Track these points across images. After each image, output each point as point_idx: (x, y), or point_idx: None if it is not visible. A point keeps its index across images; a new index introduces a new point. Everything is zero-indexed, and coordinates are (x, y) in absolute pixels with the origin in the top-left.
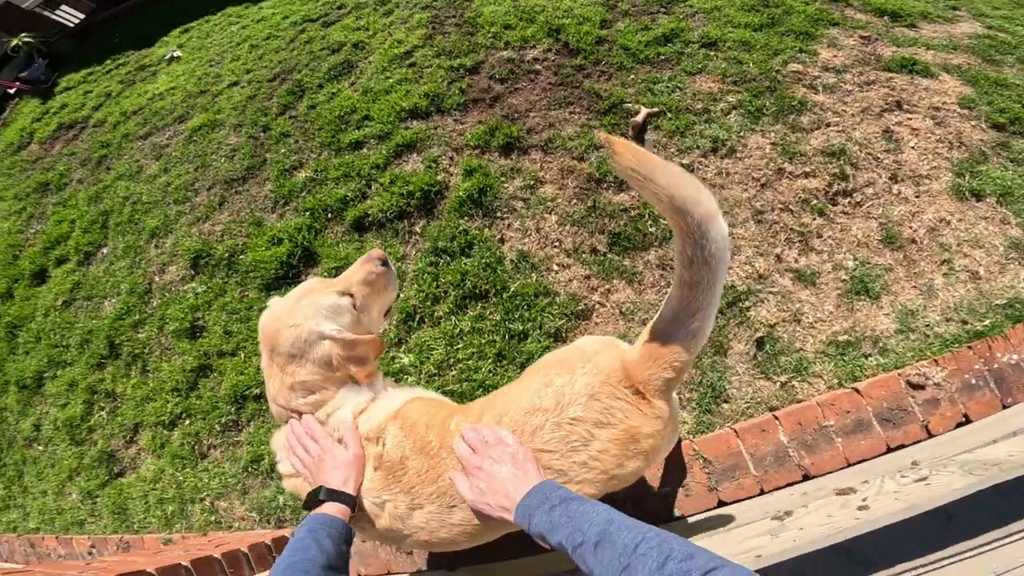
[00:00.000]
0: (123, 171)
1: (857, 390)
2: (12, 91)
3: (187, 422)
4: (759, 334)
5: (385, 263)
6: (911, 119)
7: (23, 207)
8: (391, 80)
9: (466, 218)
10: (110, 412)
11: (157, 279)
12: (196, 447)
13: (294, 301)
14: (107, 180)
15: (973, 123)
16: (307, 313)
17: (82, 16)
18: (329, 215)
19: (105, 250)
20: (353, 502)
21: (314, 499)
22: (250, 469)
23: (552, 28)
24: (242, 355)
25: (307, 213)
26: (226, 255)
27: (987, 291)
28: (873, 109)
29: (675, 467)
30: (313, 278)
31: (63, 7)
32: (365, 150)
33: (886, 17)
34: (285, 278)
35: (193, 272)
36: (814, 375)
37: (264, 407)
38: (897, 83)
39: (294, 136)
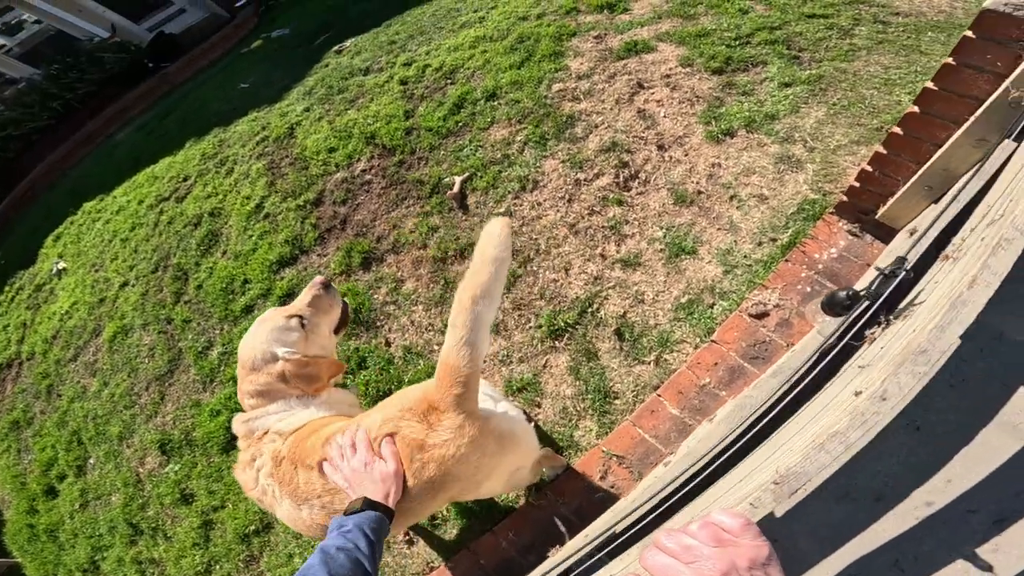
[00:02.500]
0: (72, 394)
1: (715, 341)
2: None
3: (217, 568)
4: (615, 327)
5: (326, 286)
6: (653, 93)
7: (8, 445)
8: (254, 238)
9: (353, 338)
10: (160, 574)
11: (141, 470)
12: None
13: (253, 329)
14: (63, 406)
15: (698, 77)
16: (263, 337)
17: None
18: None
19: (92, 460)
20: (391, 515)
21: (355, 510)
22: None
23: (368, 136)
24: (230, 505)
25: (231, 382)
26: (183, 437)
27: (777, 206)
28: (624, 97)
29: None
30: (269, 309)
31: None
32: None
33: (606, 11)
34: (236, 438)
35: (165, 457)
36: (678, 342)
37: (267, 537)
38: (631, 67)
39: (195, 320)
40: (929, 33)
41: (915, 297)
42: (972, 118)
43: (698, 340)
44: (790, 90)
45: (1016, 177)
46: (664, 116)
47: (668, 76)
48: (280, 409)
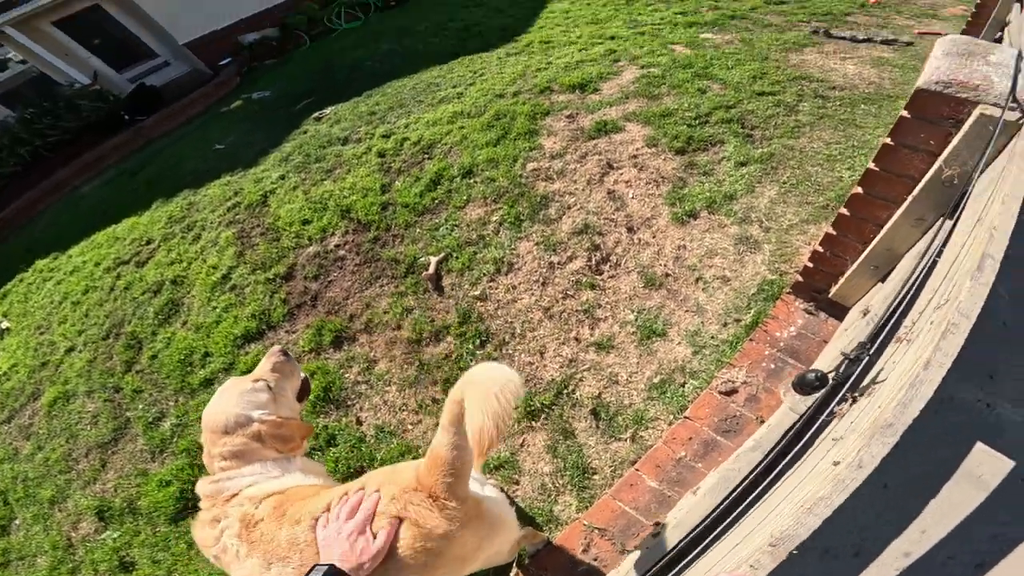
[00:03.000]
0: (1, 456)
1: (688, 417)
2: None
3: None
4: (591, 407)
5: (285, 354)
6: (622, 174)
7: None
8: (218, 309)
9: (322, 416)
10: None
11: (74, 535)
12: None
13: (220, 395)
14: None
15: (663, 157)
16: (234, 401)
17: None
18: None
19: (17, 521)
20: None
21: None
22: None
23: (343, 209)
24: (176, 574)
25: (183, 454)
26: (125, 505)
27: (739, 287)
28: (595, 178)
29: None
30: (230, 378)
31: None
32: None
33: (577, 91)
34: (186, 509)
35: (103, 524)
36: (652, 419)
37: None
38: (601, 147)
39: (147, 390)
40: (862, 106)
41: (876, 376)
42: (910, 198)
43: (672, 417)
44: (745, 169)
45: (956, 259)
46: (632, 197)
47: (635, 156)
48: (256, 472)
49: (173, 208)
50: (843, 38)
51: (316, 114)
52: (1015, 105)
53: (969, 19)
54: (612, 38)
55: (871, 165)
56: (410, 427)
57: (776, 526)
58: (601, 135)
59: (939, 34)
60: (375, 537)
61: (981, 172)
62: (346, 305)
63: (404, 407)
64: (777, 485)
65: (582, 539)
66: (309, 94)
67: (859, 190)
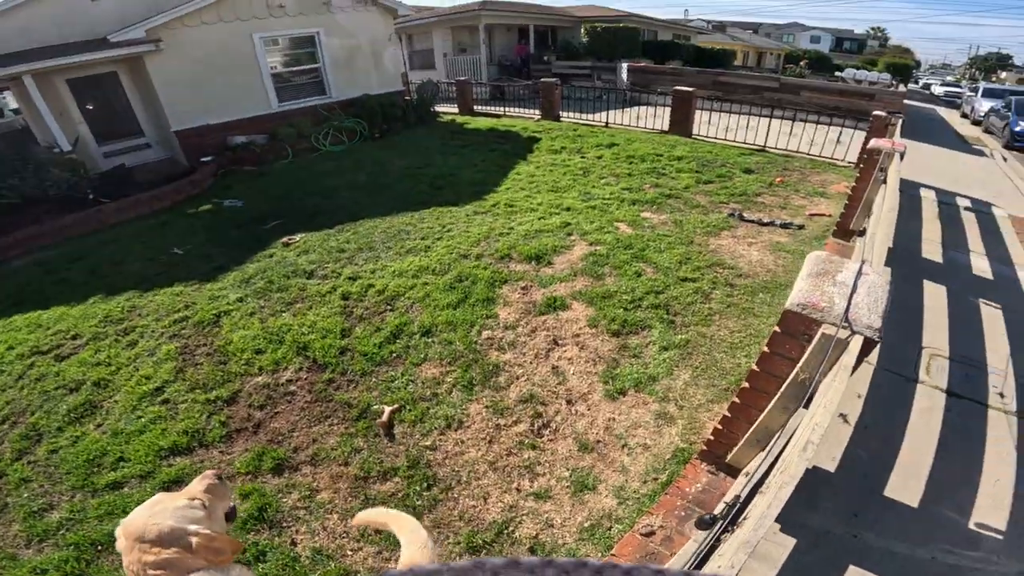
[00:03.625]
0: None
1: (613, 554)
2: None
3: None
4: (528, 546)
5: (219, 479)
6: (566, 351)
7: None
8: (144, 419)
9: (253, 532)
10: None
11: None
12: None
13: (150, 507)
14: None
15: (601, 338)
16: (168, 514)
17: None
18: (99, 547)
19: None
20: None
21: None
22: None
23: (300, 346)
24: None
25: (71, 547)
26: None
27: (657, 453)
28: (542, 353)
29: None
30: (159, 492)
31: None
32: (127, 489)
33: (533, 262)
34: None
35: None
36: (583, 556)
37: None
38: (550, 323)
39: (37, 480)
40: (760, 294)
41: (746, 514)
42: (778, 393)
43: (600, 554)
44: (667, 354)
45: (801, 436)
46: (573, 373)
47: (578, 335)
48: None
49: (112, 307)
50: (752, 221)
51: (285, 239)
52: (846, 324)
53: (847, 200)
54: (568, 209)
55: (754, 367)
56: (350, 553)
57: None
58: (550, 311)
59: (825, 215)
60: None
61: (823, 376)
62: (291, 437)
63: (345, 534)
64: None
65: None
66: (280, 214)
67: (747, 384)
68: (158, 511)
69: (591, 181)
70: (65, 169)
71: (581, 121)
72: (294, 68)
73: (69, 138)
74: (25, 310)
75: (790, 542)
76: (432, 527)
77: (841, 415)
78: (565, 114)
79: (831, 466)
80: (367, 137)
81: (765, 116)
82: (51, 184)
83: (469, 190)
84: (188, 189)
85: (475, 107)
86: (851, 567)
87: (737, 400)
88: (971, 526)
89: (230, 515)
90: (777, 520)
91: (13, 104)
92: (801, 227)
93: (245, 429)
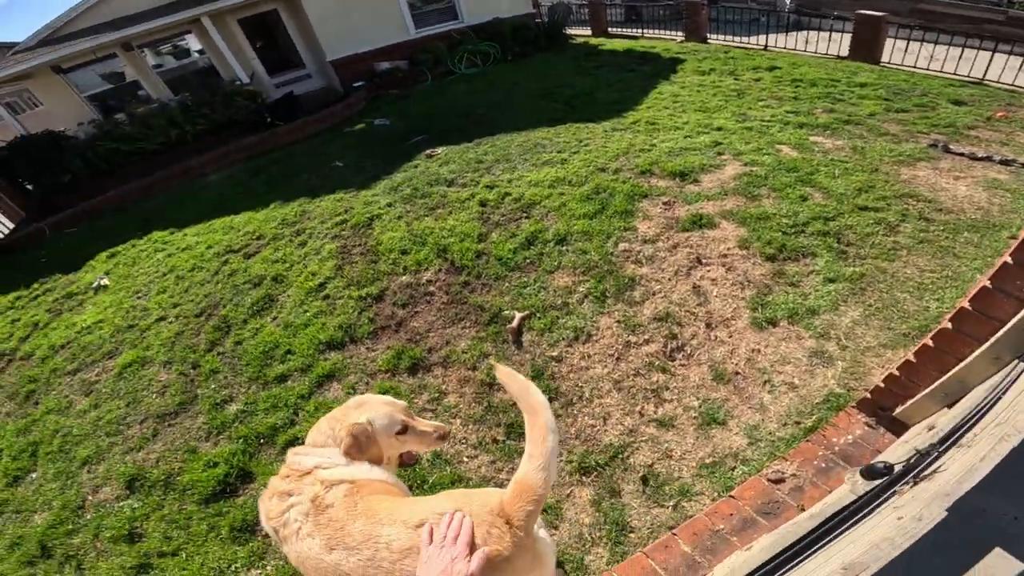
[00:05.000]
0: (52, 406)
1: (733, 496)
2: None
3: None
4: (641, 474)
5: (443, 438)
6: (709, 271)
7: None
8: (308, 314)
9: None
10: None
11: (91, 498)
12: None
13: (384, 400)
14: (35, 414)
15: (752, 261)
16: (395, 408)
17: (12, 226)
18: (262, 441)
19: (34, 475)
20: None
21: None
22: None
23: (440, 248)
24: (183, 555)
25: (240, 440)
26: (162, 477)
27: (805, 395)
28: (682, 270)
29: None
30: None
31: None
32: (290, 382)
33: (677, 179)
34: (223, 493)
35: (128, 492)
36: (697, 493)
37: None
38: (693, 240)
39: (223, 372)
40: (965, 233)
41: (938, 467)
42: (993, 338)
43: (716, 494)
44: (833, 286)
45: (1021, 393)
46: (716, 296)
47: (726, 256)
48: (335, 458)
49: (288, 212)
50: (961, 154)
51: (428, 151)
52: None
53: None
54: (719, 129)
55: (965, 304)
56: (466, 459)
57: (848, 557)
58: (695, 228)
59: None
60: (470, 562)
61: None
62: (427, 337)
63: (464, 440)
64: (841, 535)
65: None
66: (424, 130)
67: (948, 325)
68: (388, 402)
69: (747, 103)
70: (246, 98)
71: (733, 44)
72: None
73: (246, 71)
74: (221, 215)
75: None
76: None
77: None
78: (713, 36)
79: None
80: (500, 60)
81: (985, 49)
82: (236, 111)
83: (607, 108)
84: (344, 112)
85: (609, 29)
86: (996, 549)
87: (930, 343)
88: None
89: (410, 458)
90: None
91: (196, 45)
92: None
93: (389, 327)
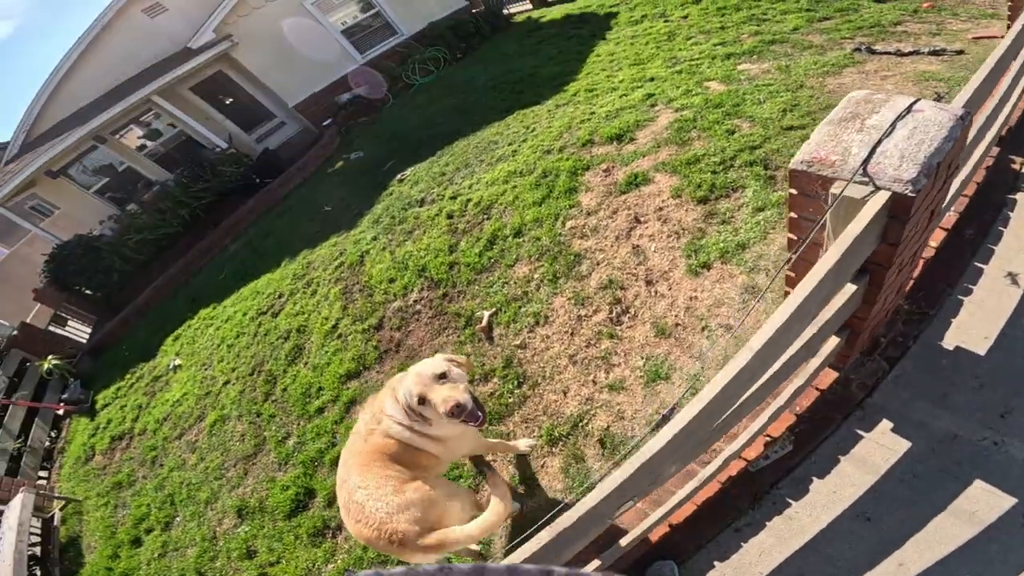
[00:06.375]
0: (172, 465)
1: None
2: (61, 413)
3: None
4: (599, 437)
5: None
6: (647, 228)
7: (107, 501)
8: (328, 353)
9: None
10: None
11: (218, 529)
12: None
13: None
14: (163, 473)
15: (685, 208)
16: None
17: (88, 330)
18: (315, 463)
19: (178, 518)
20: None
21: None
22: None
23: (420, 268)
24: (284, 562)
25: (300, 465)
26: (257, 504)
27: (741, 335)
28: (622, 234)
29: None
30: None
31: (70, 323)
32: (326, 413)
33: (615, 142)
34: (298, 508)
35: (240, 519)
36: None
37: None
38: (631, 201)
39: (279, 415)
40: None
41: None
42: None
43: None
44: (761, 215)
45: None
46: (654, 251)
47: (661, 209)
48: (400, 415)
49: (296, 267)
50: (888, 53)
51: (399, 175)
52: (864, 178)
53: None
54: (651, 79)
55: (789, 233)
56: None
57: None
58: (631, 188)
59: (996, 37)
60: None
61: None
62: (420, 352)
63: None
64: None
65: None
66: (393, 155)
67: (793, 256)
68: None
69: (677, 44)
70: (230, 163)
71: None
72: (359, 17)
73: (222, 136)
74: (247, 282)
75: (902, 445)
76: (521, 422)
77: (1009, 274)
78: None
79: (982, 346)
80: (450, 60)
81: None
82: (227, 179)
83: (549, 85)
84: (322, 152)
85: None
86: (977, 482)
87: (791, 273)
88: None
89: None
90: (890, 419)
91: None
92: (960, 52)
93: (390, 349)
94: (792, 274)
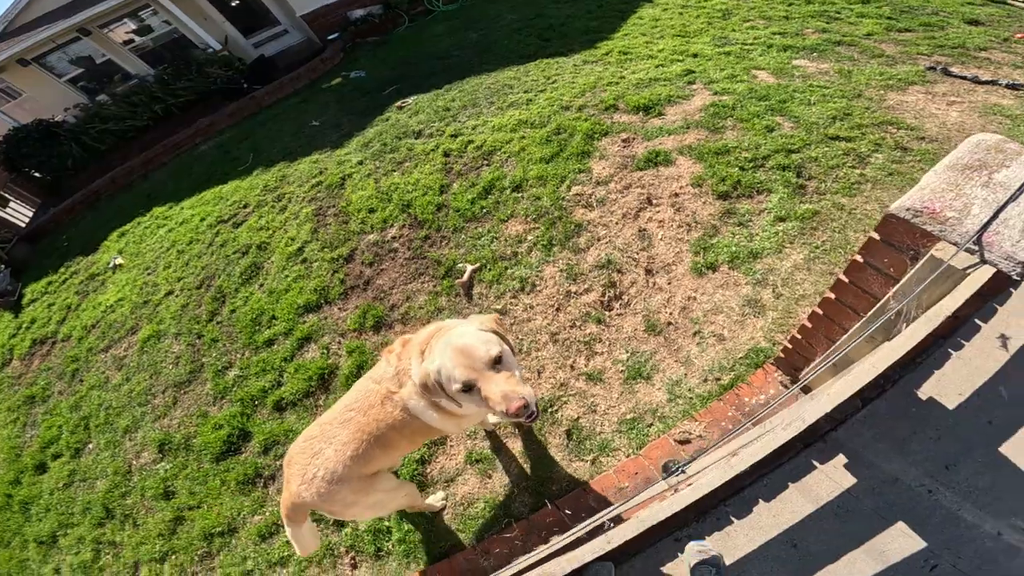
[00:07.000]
0: (93, 382)
1: (641, 455)
2: None
3: (173, 558)
4: (567, 428)
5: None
6: (658, 212)
7: (16, 417)
8: (289, 279)
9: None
10: (114, 555)
11: (135, 462)
12: (183, 574)
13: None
14: (82, 391)
15: (703, 200)
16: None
17: (30, 214)
18: (255, 403)
19: (91, 446)
20: None
21: None
22: None
23: (404, 204)
24: (205, 507)
25: (238, 403)
26: (183, 441)
27: (731, 348)
28: (631, 212)
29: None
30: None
31: (11, 205)
32: (275, 346)
33: (641, 113)
34: (229, 452)
35: (160, 455)
36: (614, 449)
37: (229, 540)
38: (646, 180)
39: (222, 340)
40: None
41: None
42: (864, 317)
43: (631, 451)
44: (782, 226)
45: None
46: (661, 239)
47: (677, 195)
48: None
49: (269, 178)
50: (963, 77)
51: (399, 102)
52: (975, 247)
53: None
54: (695, 56)
55: (841, 275)
56: None
57: None
58: (649, 167)
59: None
60: None
61: (921, 311)
62: (391, 294)
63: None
64: None
65: (523, 537)
66: (397, 80)
67: (831, 295)
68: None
69: (731, 24)
70: (220, 66)
71: None
72: None
73: (217, 38)
74: (212, 185)
75: (848, 481)
76: None
77: (1002, 336)
78: None
79: (953, 401)
80: None
81: None
82: (212, 80)
83: (581, 39)
84: (321, 66)
85: None
86: (899, 523)
87: (819, 311)
88: None
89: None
90: (846, 454)
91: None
92: None
93: (357, 286)
94: (820, 311)
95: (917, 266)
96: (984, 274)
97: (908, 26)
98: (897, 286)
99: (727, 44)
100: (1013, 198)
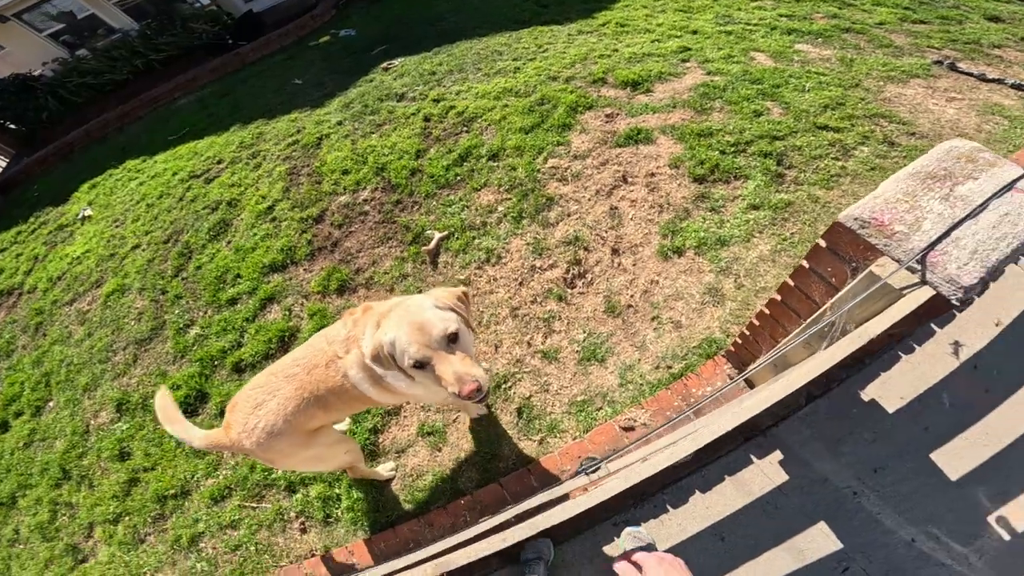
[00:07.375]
0: (56, 337)
1: (586, 439)
2: None
3: (126, 519)
4: (518, 405)
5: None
6: (632, 191)
7: None
8: (256, 237)
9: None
10: (70, 517)
11: (93, 422)
12: (135, 535)
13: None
14: (44, 345)
15: (679, 182)
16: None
17: (3, 165)
18: (215, 363)
19: (52, 403)
20: None
21: None
22: (176, 547)
23: (379, 167)
24: (159, 469)
25: (198, 363)
26: (141, 400)
27: (687, 336)
28: (604, 188)
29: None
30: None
31: None
32: (239, 305)
33: (629, 88)
34: (186, 413)
35: (118, 415)
36: (562, 431)
37: (182, 502)
38: (624, 157)
39: (185, 297)
40: None
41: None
42: (804, 323)
43: (577, 434)
44: (754, 214)
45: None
46: (631, 219)
47: (653, 175)
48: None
49: (245, 135)
50: (969, 74)
51: (386, 64)
52: (918, 267)
53: None
54: (694, 32)
55: (788, 279)
56: None
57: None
58: (629, 144)
59: None
60: None
61: (855, 325)
62: (357, 258)
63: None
64: None
65: (466, 510)
66: (387, 40)
67: (778, 297)
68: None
69: (738, 3)
70: (206, 20)
71: None
72: None
73: None
74: (188, 140)
75: (781, 478)
76: None
77: (955, 344)
78: None
79: (894, 404)
80: None
81: None
82: (197, 36)
83: (578, 7)
84: (310, 23)
85: None
86: (821, 523)
87: (766, 310)
88: (990, 519)
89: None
90: (783, 451)
91: None
92: None
93: (325, 248)
94: (766, 311)
95: (855, 280)
96: (922, 295)
97: (924, 17)
98: (835, 297)
99: (730, 23)
100: (972, 215)
